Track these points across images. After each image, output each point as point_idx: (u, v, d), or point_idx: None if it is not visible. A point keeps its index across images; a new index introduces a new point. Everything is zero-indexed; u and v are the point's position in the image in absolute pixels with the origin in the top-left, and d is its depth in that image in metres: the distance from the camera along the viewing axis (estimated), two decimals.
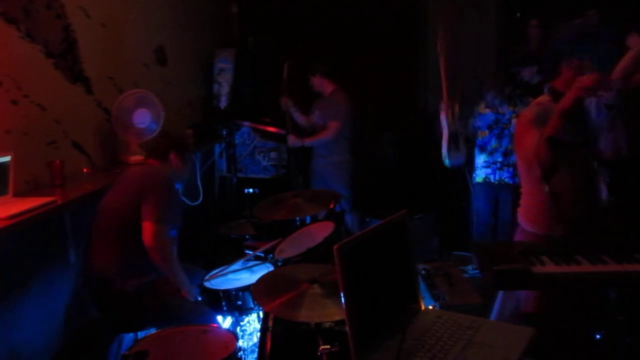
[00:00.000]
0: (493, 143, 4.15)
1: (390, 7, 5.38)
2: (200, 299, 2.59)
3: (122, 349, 2.61)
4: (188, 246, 4.25)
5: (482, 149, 4.22)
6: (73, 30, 3.11)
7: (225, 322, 2.56)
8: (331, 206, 2.90)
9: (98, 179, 3.03)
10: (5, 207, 2.34)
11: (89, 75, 3.25)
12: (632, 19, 2.36)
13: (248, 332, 2.58)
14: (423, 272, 2.70)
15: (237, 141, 4.94)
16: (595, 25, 2.41)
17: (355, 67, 5.34)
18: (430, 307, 2.14)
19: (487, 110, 4.16)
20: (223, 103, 5.01)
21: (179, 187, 3.53)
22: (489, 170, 4.19)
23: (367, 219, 4.42)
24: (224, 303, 2.52)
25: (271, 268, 2.66)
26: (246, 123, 4.83)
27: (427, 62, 5.42)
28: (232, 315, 2.55)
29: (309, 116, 4.53)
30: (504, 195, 4.19)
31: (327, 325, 1.90)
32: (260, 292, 2.04)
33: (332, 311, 1.82)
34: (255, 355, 2.39)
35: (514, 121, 4.04)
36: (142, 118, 3.38)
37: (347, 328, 1.44)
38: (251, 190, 4.28)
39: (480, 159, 4.26)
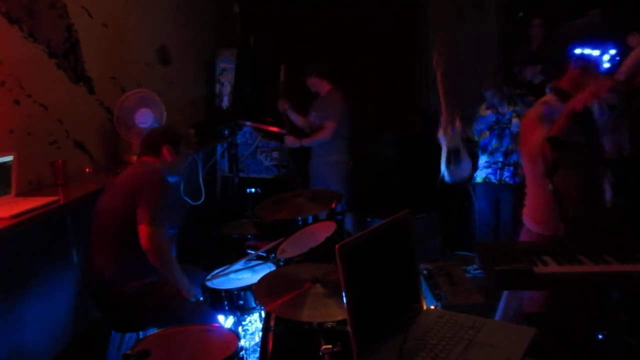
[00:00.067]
0: (494, 143, 4.14)
1: (390, 7, 5.38)
2: (201, 298, 2.59)
3: (123, 347, 2.62)
4: (190, 246, 4.27)
5: (484, 150, 4.22)
6: (75, 30, 3.12)
7: (227, 321, 2.56)
8: (333, 206, 2.90)
9: (100, 178, 3.04)
10: (8, 207, 2.35)
11: (91, 75, 3.26)
12: (634, 19, 2.35)
13: (250, 331, 2.58)
14: (425, 272, 2.70)
15: (239, 141, 4.95)
16: (597, 24, 2.40)
17: (355, 67, 5.35)
18: (432, 307, 2.14)
19: (488, 112, 4.17)
20: (225, 103, 5.02)
21: (178, 181, 3.55)
22: (489, 170, 4.18)
23: (369, 219, 4.42)
24: (225, 302, 2.52)
25: (273, 268, 2.66)
26: (248, 123, 4.84)
27: (428, 61, 5.41)
28: (234, 314, 2.55)
29: (307, 117, 4.54)
30: (504, 195, 4.19)
31: (329, 325, 1.89)
32: (262, 292, 2.04)
33: (334, 311, 1.81)
34: (257, 354, 2.39)
35: (514, 121, 4.04)
36: (145, 118, 3.38)
37: (349, 328, 1.44)
38: (253, 190, 4.27)
39: (481, 160, 4.26)
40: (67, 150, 3.04)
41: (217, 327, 2.26)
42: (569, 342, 1.91)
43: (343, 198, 3.60)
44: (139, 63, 3.92)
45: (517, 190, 4.10)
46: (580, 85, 2.26)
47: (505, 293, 2.54)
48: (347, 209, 4.44)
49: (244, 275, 2.72)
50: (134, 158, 3.31)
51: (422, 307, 1.76)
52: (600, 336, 1.88)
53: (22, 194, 2.60)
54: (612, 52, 2.19)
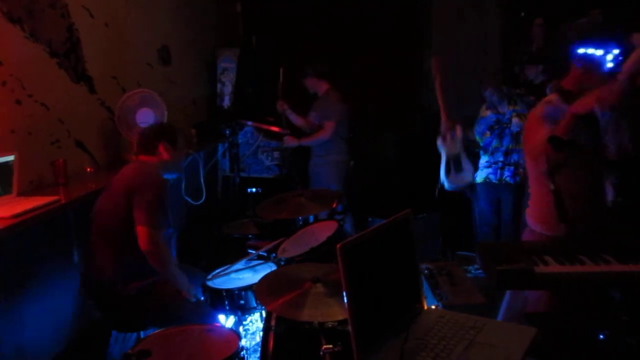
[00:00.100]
0: (494, 143, 4.14)
1: (391, 7, 5.38)
2: (202, 298, 2.59)
3: (124, 347, 2.62)
4: (191, 245, 4.28)
5: (485, 150, 4.23)
6: (76, 30, 3.12)
7: (228, 321, 2.56)
8: (334, 206, 2.90)
9: (101, 178, 3.04)
10: (9, 206, 2.35)
11: (92, 74, 3.26)
12: (634, 19, 2.35)
13: (251, 331, 2.58)
14: (426, 271, 2.70)
15: (240, 140, 4.95)
16: (600, 24, 2.40)
17: (356, 67, 5.35)
18: (433, 307, 2.14)
19: (488, 112, 4.17)
20: (226, 102, 5.02)
21: (180, 178, 3.54)
22: (490, 170, 4.18)
23: (370, 219, 4.42)
24: (226, 302, 2.52)
25: (274, 267, 2.66)
26: (249, 122, 4.84)
27: (429, 61, 5.41)
28: (235, 314, 2.55)
29: (306, 118, 4.55)
30: (505, 195, 4.19)
31: (330, 325, 1.89)
32: (263, 292, 2.04)
33: (335, 311, 1.81)
34: (258, 354, 2.39)
35: (514, 120, 4.05)
36: (146, 117, 3.39)
37: (349, 327, 1.44)
38: (254, 189, 4.28)
39: (482, 160, 4.26)
40: (68, 150, 3.04)
41: (218, 326, 2.26)
42: (569, 342, 1.91)
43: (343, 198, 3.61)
44: (140, 63, 3.93)
45: (518, 190, 4.10)
46: (584, 85, 2.26)
47: (507, 293, 2.54)
48: (346, 209, 4.45)
49: (245, 275, 2.72)
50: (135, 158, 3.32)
51: (423, 306, 1.76)
52: (601, 336, 1.88)
53: (23, 193, 2.60)
54: (616, 51, 2.18)
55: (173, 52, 4.34)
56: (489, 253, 1.95)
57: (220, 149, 5.06)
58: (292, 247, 2.69)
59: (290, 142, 4.46)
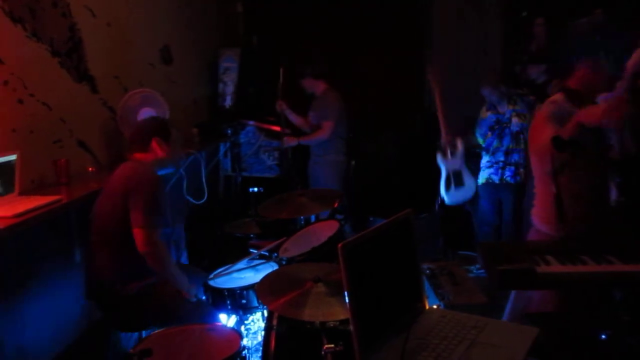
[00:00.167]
0: (495, 143, 4.15)
1: (391, 7, 5.37)
2: (204, 298, 2.59)
3: (126, 346, 2.62)
4: (193, 245, 4.28)
5: (486, 151, 4.23)
6: (78, 30, 3.13)
7: (229, 320, 2.56)
8: (335, 205, 2.90)
9: (103, 177, 3.02)
10: (11, 206, 2.35)
11: (94, 74, 3.26)
12: (634, 18, 2.35)
13: (252, 330, 2.59)
14: (427, 271, 2.70)
15: (241, 140, 4.96)
16: (601, 23, 2.40)
17: (358, 67, 5.36)
18: (435, 307, 2.14)
19: (488, 113, 4.19)
20: (228, 102, 5.02)
21: (181, 176, 3.54)
22: (491, 170, 4.19)
23: (371, 218, 4.43)
24: (228, 302, 2.52)
25: (276, 267, 2.66)
26: (251, 122, 4.85)
27: (429, 61, 5.42)
28: (237, 313, 2.56)
29: (306, 118, 4.55)
30: (506, 194, 4.19)
31: (332, 325, 1.90)
32: (264, 291, 2.04)
33: (337, 310, 1.82)
34: (260, 354, 2.39)
35: (514, 120, 4.06)
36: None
37: (351, 327, 1.44)
38: (256, 189, 4.28)
39: (483, 160, 4.27)
40: (70, 149, 3.05)
41: (219, 326, 2.26)
42: (571, 342, 1.90)
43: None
44: (141, 62, 3.93)
45: (518, 190, 4.11)
46: (589, 85, 2.25)
47: (512, 293, 2.54)
48: (345, 209, 4.45)
49: (247, 275, 2.72)
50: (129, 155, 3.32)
51: (424, 306, 1.76)
52: (603, 336, 1.87)
53: (25, 192, 2.60)
54: (621, 51, 2.17)
55: (175, 51, 4.34)
56: (491, 253, 1.94)
57: (222, 148, 5.06)
58: (294, 246, 2.69)
59: (290, 141, 4.47)
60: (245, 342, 2.13)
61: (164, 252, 2.42)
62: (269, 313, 2.21)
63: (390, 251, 1.66)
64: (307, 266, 2.21)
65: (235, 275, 2.72)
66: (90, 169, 3.18)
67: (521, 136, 4.05)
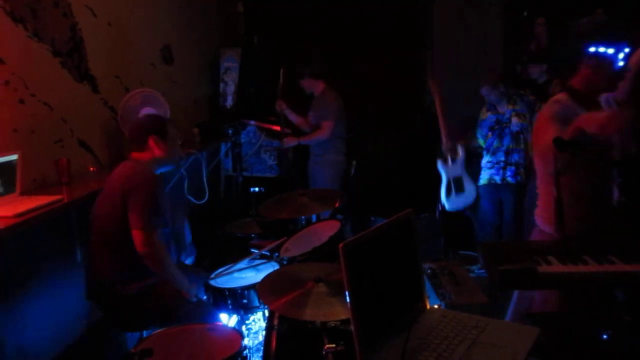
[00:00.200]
0: (495, 143, 4.15)
1: (392, 7, 5.37)
2: (205, 297, 2.59)
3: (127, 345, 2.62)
4: (195, 245, 4.28)
5: (486, 151, 4.23)
6: (80, 29, 3.13)
7: (230, 320, 2.56)
8: (337, 205, 2.90)
9: (104, 177, 3.02)
10: (13, 206, 2.36)
11: (95, 74, 3.27)
12: (634, 18, 2.34)
13: (253, 330, 2.59)
14: (428, 271, 2.69)
15: (242, 140, 4.96)
16: (603, 23, 2.39)
17: (358, 67, 5.35)
18: (436, 307, 2.14)
19: (488, 114, 4.20)
20: (229, 102, 5.02)
21: (183, 177, 3.53)
22: (493, 171, 4.19)
23: (372, 218, 4.43)
24: (229, 301, 2.52)
25: (277, 267, 2.66)
26: (252, 122, 4.85)
27: (430, 60, 5.42)
28: (238, 313, 2.56)
29: (306, 118, 4.56)
30: (506, 194, 4.19)
31: (333, 324, 1.90)
32: (265, 291, 2.04)
33: (338, 310, 1.82)
34: (261, 353, 2.39)
35: (513, 120, 4.06)
36: None
37: (352, 327, 1.44)
38: (257, 189, 4.28)
39: (484, 160, 4.27)
40: (71, 149, 3.05)
41: (220, 325, 2.26)
42: (572, 342, 1.90)
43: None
44: (142, 62, 3.93)
45: (519, 190, 4.11)
46: (594, 84, 2.24)
47: (515, 294, 2.54)
48: (345, 210, 4.45)
49: (248, 274, 2.72)
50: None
51: (425, 306, 1.76)
52: (604, 336, 1.87)
53: (26, 192, 2.60)
54: (627, 50, 2.17)
55: (175, 51, 4.35)
56: (492, 253, 1.94)
57: (223, 148, 5.07)
58: (295, 246, 2.69)
59: (290, 142, 4.47)
60: (246, 341, 2.14)
61: (163, 252, 2.41)
62: (270, 313, 2.21)
63: (391, 251, 1.66)
64: (308, 266, 2.21)
65: (236, 275, 2.73)
66: (91, 168, 3.18)
67: (521, 136, 4.06)
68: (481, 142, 4.26)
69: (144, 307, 2.44)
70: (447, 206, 4.25)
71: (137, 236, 2.34)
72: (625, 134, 2.23)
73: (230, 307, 2.53)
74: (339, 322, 1.89)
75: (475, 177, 4.33)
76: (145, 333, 2.45)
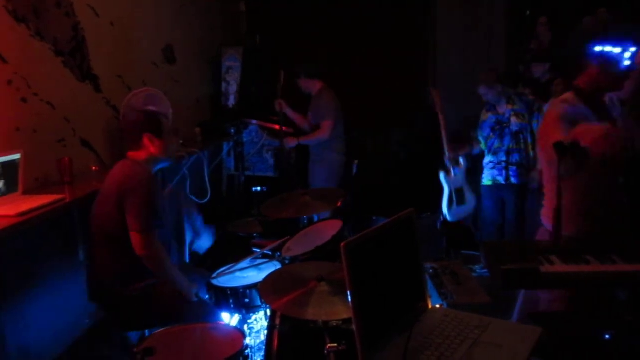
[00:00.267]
0: (496, 143, 4.15)
1: (395, 6, 5.37)
2: (207, 297, 2.59)
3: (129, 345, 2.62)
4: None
5: (488, 151, 4.24)
6: (82, 29, 3.13)
7: (232, 319, 2.56)
8: (339, 204, 2.89)
9: (106, 176, 3.05)
10: (15, 205, 2.36)
11: (97, 73, 3.27)
12: (634, 18, 2.32)
13: (255, 329, 2.59)
14: (430, 270, 2.69)
15: (245, 139, 4.95)
16: (609, 22, 2.37)
17: (360, 66, 5.35)
18: (438, 306, 2.13)
19: (489, 114, 4.20)
20: (231, 101, 5.02)
21: (184, 176, 3.53)
22: (495, 172, 4.19)
23: (374, 218, 4.42)
24: (231, 301, 2.52)
25: (278, 266, 2.66)
26: (254, 121, 4.85)
27: (434, 60, 5.41)
28: (240, 312, 2.56)
29: (306, 117, 4.56)
30: (508, 194, 4.20)
31: (335, 324, 1.90)
32: (267, 290, 2.04)
33: (340, 309, 1.81)
34: (263, 353, 2.39)
35: (512, 120, 4.06)
36: None
37: (354, 326, 1.44)
38: (259, 188, 4.28)
39: (486, 160, 4.27)
40: (74, 149, 3.05)
41: (222, 325, 2.26)
42: (574, 342, 1.90)
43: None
44: (145, 62, 3.94)
45: (521, 190, 4.11)
46: (600, 84, 2.23)
47: (521, 294, 2.53)
48: (347, 209, 4.45)
49: (250, 274, 2.72)
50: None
51: (427, 305, 1.76)
52: (606, 336, 1.87)
53: (28, 191, 2.61)
54: (633, 49, 2.15)
55: (178, 51, 4.35)
56: (494, 252, 1.94)
57: (225, 147, 5.07)
58: (297, 246, 2.69)
59: (290, 142, 4.47)
60: (248, 341, 2.14)
61: (162, 254, 2.40)
62: (272, 312, 2.21)
63: (393, 250, 1.66)
64: (310, 265, 2.21)
65: (238, 274, 2.73)
66: (93, 168, 3.18)
67: (521, 136, 4.06)
68: (482, 143, 4.26)
69: (145, 307, 2.44)
70: (448, 217, 4.27)
71: (135, 238, 2.33)
72: (630, 131, 2.22)
73: (232, 306, 2.53)
74: (341, 322, 1.89)
75: (476, 179, 4.35)
76: (147, 332, 2.45)
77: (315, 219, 3.16)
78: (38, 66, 2.80)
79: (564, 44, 4.01)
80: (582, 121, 2.15)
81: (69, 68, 3.03)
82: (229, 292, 2.53)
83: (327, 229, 2.71)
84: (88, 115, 3.19)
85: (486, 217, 4.38)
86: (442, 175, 4.26)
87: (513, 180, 4.11)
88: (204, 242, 4.15)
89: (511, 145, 4.09)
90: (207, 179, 4.07)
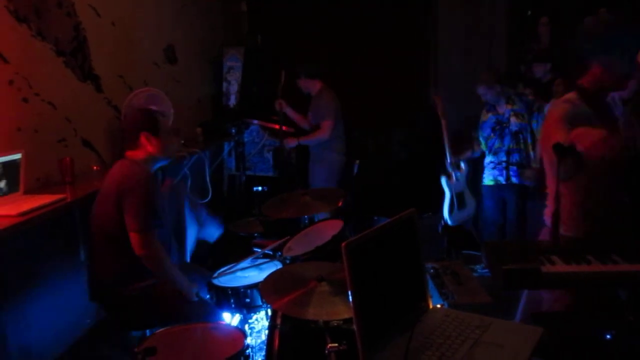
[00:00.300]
0: (496, 143, 4.15)
1: (397, 5, 5.36)
2: (207, 296, 2.59)
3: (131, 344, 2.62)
4: (197, 244, 4.27)
5: (489, 151, 4.24)
6: (83, 29, 3.13)
7: (233, 319, 2.56)
8: (339, 204, 2.89)
9: None
10: (16, 204, 2.36)
11: (98, 73, 3.27)
12: (634, 18, 2.32)
13: (256, 329, 2.59)
14: (431, 270, 2.69)
15: (246, 139, 4.96)
16: (607, 23, 2.37)
17: (362, 66, 5.34)
18: (439, 306, 2.13)
19: (489, 114, 4.19)
20: (232, 101, 5.03)
21: (186, 176, 3.52)
22: (496, 172, 4.19)
23: (376, 218, 4.42)
24: (232, 300, 2.52)
25: (279, 266, 2.66)
26: (255, 121, 4.85)
27: (435, 59, 5.41)
28: (241, 312, 2.56)
29: (307, 117, 4.56)
30: (509, 194, 4.19)
31: (335, 324, 1.90)
32: (268, 290, 2.04)
33: (340, 309, 1.81)
34: (263, 352, 2.39)
35: (512, 120, 4.06)
36: None
37: (354, 326, 1.44)
38: (260, 188, 4.28)
39: (487, 160, 4.27)
40: (75, 149, 3.06)
41: (223, 324, 2.26)
42: (576, 342, 1.89)
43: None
44: (146, 62, 3.94)
45: (522, 190, 4.11)
46: (603, 83, 2.23)
47: (524, 294, 2.53)
48: (348, 209, 4.45)
49: (251, 273, 2.72)
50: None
51: (428, 305, 1.76)
52: (608, 336, 1.87)
53: (30, 191, 2.61)
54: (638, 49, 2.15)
55: (179, 51, 4.35)
56: (496, 252, 1.94)
57: (226, 147, 5.07)
58: (298, 245, 2.69)
59: (290, 143, 4.47)
60: (249, 340, 2.14)
61: (161, 253, 2.40)
62: (273, 312, 2.21)
63: (394, 250, 1.66)
64: (311, 265, 2.21)
65: (239, 274, 2.73)
66: (94, 167, 3.18)
67: (520, 136, 4.06)
68: (483, 144, 4.26)
69: (146, 307, 2.44)
70: (449, 222, 4.28)
71: (134, 239, 2.33)
72: (633, 130, 2.21)
73: (233, 306, 2.53)
74: (341, 322, 1.89)
75: (477, 180, 4.35)
76: (148, 332, 2.45)
77: (316, 219, 3.16)
78: (39, 66, 2.80)
79: (565, 44, 4.01)
80: (584, 121, 2.15)
81: (70, 68, 3.04)
82: (229, 292, 2.53)
83: (328, 229, 2.71)
84: (89, 115, 3.19)
85: (487, 217, 4.39)
86: (443, 180, 4.28)
87: (514, 180, 4.11)
88: (212, 231, 4.14)
89: (511, 146, 4.09)
90: (208, 179, 4.06)
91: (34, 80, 2.74)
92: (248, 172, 4.98)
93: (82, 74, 3.14)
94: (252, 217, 4.00)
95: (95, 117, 3.28)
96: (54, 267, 2.82)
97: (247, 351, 2.01)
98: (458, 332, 1.58)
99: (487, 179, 4.27)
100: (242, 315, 2.56)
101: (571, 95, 2.30)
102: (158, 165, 2.61)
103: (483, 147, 4.26)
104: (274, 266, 2.70)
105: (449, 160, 4.25)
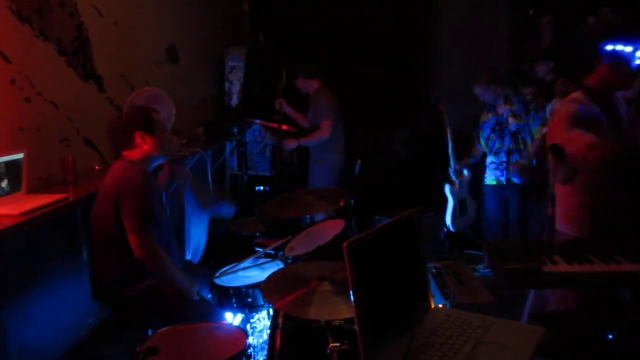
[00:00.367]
0: (497, 144, 4.15)
1: (398, 5, 5.36)
2: (209, 296, 2.59)
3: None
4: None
5: (490, 151, 4.24)
6: (85, 29, 3.14)
7: (235, 319, 2.57)
8: (341, 204, 2.89)
9: None
10: (19, 204, 2.37)
11: (101, 73, 3.27)
12: (635, 18, 2.32)
13: (258, 329, 2.59)
14: (433, 270, 2.68)
15: (248, 139, 4.96)
16: (609, 22, 2.36)
17: (363, 66, 5.33)
18: (440, 306, 2.13)
19: (489, 115, 4.19)
20: (234, 101, 5.03)
21: (185, 178, 3.52)
22: (498, 172, 4.19)
23: (377, 217, 4.42)
24: (234, 300, 2.52)
25: (281, 265, 2.66)
26: (257, 121, 4.85)
27: (437, 59, 5.40)
28: (242, 312, 2.56)
29: (306, 116, 4.56)
30: (511, 194, 4.19)
31: (337, 323, 1.89)
32: (270, 289, 2.04)
33: (342, 309, 1.81)
34: (265, 352, 2.39)
35: (510, 120, 4.06)
36: None
37: (356, 326, 1.44)
38: (262, 187, 4.28)
39: (488, 160, 4.27)
40: (77, 148, 3.06)
41: (225, 324, 2.26)
42: (578, 342, 1.89)
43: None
44: (148, 61, 3.94)
45: (524, 190, 4.11)
46: (610, 82, 2.23)
47: (530, 294, 2.53)
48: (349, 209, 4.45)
49: (252, 273, 2.72)
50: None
51: (430, 305, 1.75)
52: (610, 336, 1.87)
53: (32, 190, 2.61)
54: None
55: (181, 51, 4.35)
56: (498, 252, 1.93)
57: (228, 147, 5.07)
58: (300, 245, 2.69)
59: (290, 144, 4.46)
60: (250, 340, 2.14)
61: (160, 253, 2.41)
62: (275, 311, 2.21)
63: (395, 250, 1.66)
64: (313, 265, 2.21)
65: (241, 273, 2.73)
66: (97, 167, 3.18)
67: (519, 136, 4.06)
68: (483, 144, 4.25)
69: (147, 307, 2.44)
70: (452, 228, 4.29)
71: (132, 240, 2.34)
72: (636, 129, 2.21)
73: (234, 305, 2.53)
74: (343, 321, 1.88)
75: (477, 180, 4.36)
76: (150, 331, 2.46)
77: (316, 219, 3.16)
78: (41, 66, 2.80)
79: (568, 44, 4.00)
80: (589, 121, 2.15)
81: (72, 68, 3.04)
82: (231, 292, 2.53)
83: (330, 229, 2.70)
84: (91, 115, 3.19)
85: (489, 216, 4.38)
86: (447, 188, 4.28)
87: (515, 180, 4.11)
88: (226, 210, 4.14)
89: (511, 146, 4.09)
90: (210, 179, 4.07)
91: (36, 80, 2.74)
92: (250, 172, 4.98)
93: (84, 74, 3.14)
94: (254, 216, 4.01)
95: (98, 116, 3.28)
96: (56, 267, 2.82)
97: (249, 351, 2.01)
98: (460, 332, 1.58)
99: (489, 179, 4.27)
100: (243, 315, 2.57)
101: (577, 94, 2.29)
102: (155, 163, 2.61)
103: (484, 147, 4.25)
104: (275, 266, 2.70)
105: (452, 168, 4.26)
